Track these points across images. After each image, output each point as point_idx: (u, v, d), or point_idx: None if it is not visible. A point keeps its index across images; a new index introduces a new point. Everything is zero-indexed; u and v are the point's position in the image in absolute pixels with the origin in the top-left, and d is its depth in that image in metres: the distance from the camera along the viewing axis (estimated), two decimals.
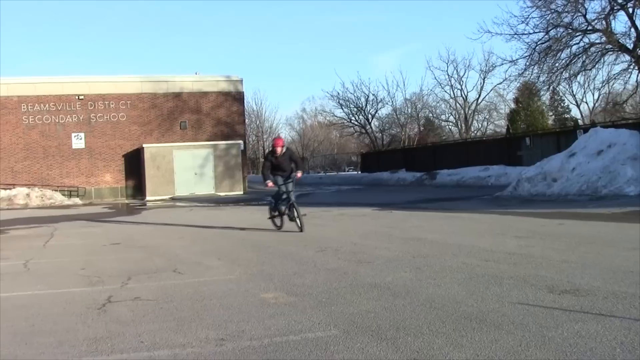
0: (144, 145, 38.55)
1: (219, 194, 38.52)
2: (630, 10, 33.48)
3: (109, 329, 5.92)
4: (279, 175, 14.25)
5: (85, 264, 10.44)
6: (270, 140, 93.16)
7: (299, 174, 14.45)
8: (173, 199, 36.41)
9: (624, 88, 46.40)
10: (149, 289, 7.88)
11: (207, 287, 7.83)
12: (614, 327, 5.14)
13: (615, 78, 38.83)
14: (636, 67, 34.39)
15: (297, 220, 14.08)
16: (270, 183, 14.24)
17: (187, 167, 38.71)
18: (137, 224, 19.14)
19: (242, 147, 41.41)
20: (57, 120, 38.63)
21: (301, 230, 13.80)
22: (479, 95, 66.06)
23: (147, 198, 37.15)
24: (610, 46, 34.50)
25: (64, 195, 37.11)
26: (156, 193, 37.44)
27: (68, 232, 16.83)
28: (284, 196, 14.19)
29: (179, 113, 41.21)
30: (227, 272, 9.06)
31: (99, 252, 12.13)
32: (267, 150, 14.46)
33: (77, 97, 38.81)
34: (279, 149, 14.21)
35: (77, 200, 36.57)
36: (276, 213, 14.62)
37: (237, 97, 43.29)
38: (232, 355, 4.93)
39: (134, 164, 39.51)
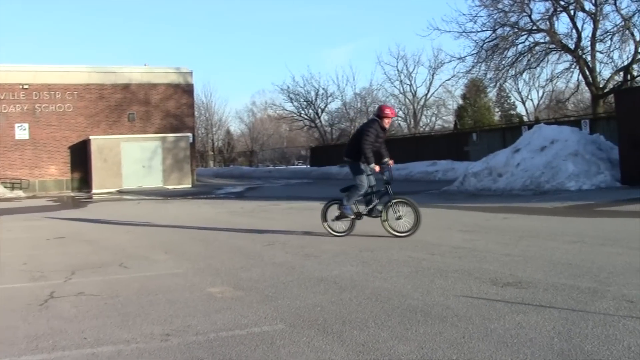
0: (90, 137, 37.96)
1: (167, 187, 38.20)
2: (572, 12, 34.39)
3: (50, 325, 5.82)
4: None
5: (28, 258, 10.26)
6: (222, 133, 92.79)
7: (392, 161, 11.36)
8: (120, 191, 35.99)
9: (567, 86, 47.43)
10: (94, 284, 7.78)
11: (154, 282, 7.78)
12: (553, 317, 5.27)
13: (558, 76, 39.91)
14: (577, 67, 35.28)
15: (398, 223, 10.86)
16: (378, 167, 10.85)
17: (135, 160, 38.27)
18: (83, 217, 18.87)
19: (191, 139, 41.15)
20: None
21: (409, 232, 10.69)
22: (428, 91, 66.92)
23: (94, 191, 36.67)
24: (554, 46, 35.41)
25: (6, 187, 36.18)
26: (103, 186, 36.97)
27: (10, 226, 16.49)
28: (375, 189, 11.23)
29: (127, 105, 40.76)
30: (174, 266, 9.00)
31: (43, 247, 11.93)
32: (370, 117, 11.54)
33: (21, 87, 37.99)
34: (387, 122, 11.14)
35: (20, 193, 35.83)
36: (350, 213, 11.22)
37: (187, 90, 43.00)
38: (177, 351, 4.91)
39: (81, 156, 38.95)
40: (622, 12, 33.46)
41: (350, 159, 11.32)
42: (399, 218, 10.84)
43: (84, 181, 38.81)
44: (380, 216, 11.00)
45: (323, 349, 4.77)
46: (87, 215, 19.46)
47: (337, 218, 11.35)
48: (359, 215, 11.29)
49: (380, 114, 11.07)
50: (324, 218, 11.58)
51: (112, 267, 9.14)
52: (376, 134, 10.89)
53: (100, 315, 6.11)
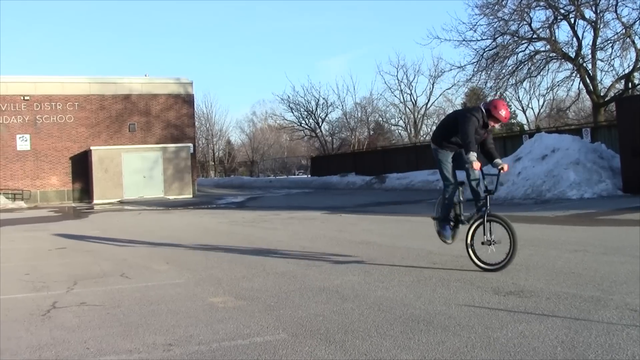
0: (91, 148, 37.97)
1: (168, 197, 38.21)
2: (572, 20, 34.40)
3: (53, 335, 5.81)
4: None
5: (30, 269, 10.26)
6: (223, 143, 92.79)
7: (506, 166, 8.51)
8: (121, 202, 36.00)
9: (567, 95, 47.38)
10: (96, 294, 7.78)
11: (155, 292, 7.78)
12: (556, 326, 5.26)
13: (558, 85, 39.83)
14: (578, 75, 35.26)
15: (485, 250, 8.22)
16: (478, 163, 8.21)
17: (135, 170, 38.27)
18: (84, 227, 18.87)
19: (191, 150, 41.16)
20: (0, 121, 37.79)
21: (499, 265, 8.01)
22: (428, 100, 66.96)
23: (95, 201, 36.64)
24: (554, 54, 35.37)
25: (7, 198, 36.23)
26: (104, 196, 36.95)
27: (12, 237, 16.47)
28: (477, 190, 8.65)
29: (127, 115, 40.79)
30: (176, 276, 9.00)
31: (44, 257, 11.92)
32: (478, 107, 8.53)
33: (22, 98, 38.02)
34: (493, 123, 8.44)
35: (21, 204, 35.76)
36: (446, 236, 9.01)
37: (187, 100, 43.02)
38: None
39: (82, 166, 38.95)
40: (623, 20, 33.48)
41: (434, 144, 8.90)
42: (489, 243, 8.20)
43: (85, 192, 38.82)
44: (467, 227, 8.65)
45: (325, 358, 4.77)
46: (88, 226, 19.46)
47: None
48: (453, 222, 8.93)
49: (489, 109, 8.36)
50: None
51: (114, 277, 9.13)
52: (476, 125, 8.31)
53: (102, 326, 6.10)
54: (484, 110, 8.36)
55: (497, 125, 8.61)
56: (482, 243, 8.22)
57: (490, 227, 8.22)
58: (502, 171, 8.36)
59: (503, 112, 8.28)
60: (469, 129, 8.19)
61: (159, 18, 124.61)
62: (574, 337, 4.94)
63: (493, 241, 8.13)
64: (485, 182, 8.48)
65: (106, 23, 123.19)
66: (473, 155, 8.10)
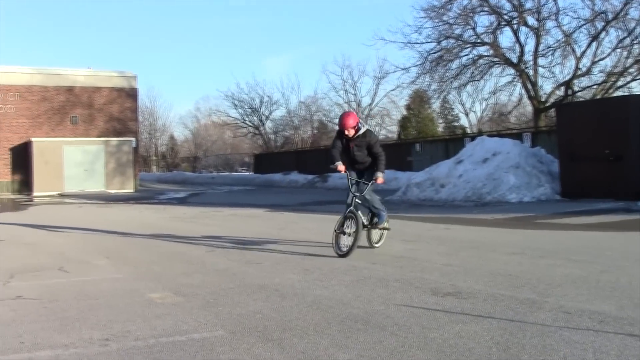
0: (32, 139, 37.34)
1: (109, 191, 37.78)
2: (515, 26, 35.04)
3: None
4: (352, 170, 10.11)
5: None
6: (166, 138, 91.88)
7: (380, 179, 9.83)
8: (62, 195, 35.45)
9: (509, 100, 48.08)
10: (33, 288, 7.63)
11: (94, 287, 7.67)
12: (492, 327, 5.34)
13: (501, 90, 40.37)
14: (520, 81, 35.89)
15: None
16: (340, 166, 9.67)
17: (77, 163, 37.83)
18: (23, 220, 18.49)
19: (134, 144, 40.79)
20: None
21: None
22: (372, 101, 67.14)
23: (35, 193, 36.05)
24: (497, 59, 35.96)
25: None
26: (44, 189, 36.38)
27: None
28: (351, 200, 9.79)
29: (70, 107, 40.16)
30: (115, 271, 8.89)
31: None
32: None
33: None
34: (350, 131, 9.74)
35: None
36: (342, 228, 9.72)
37: (131, 94, 42.58)
38: (116, 356, 4.85)
39: (22, 158, 38.23)
40: (564, 28, 34.25)
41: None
42: (343, 233, 9.64)
43: (25, 183, 38.13)
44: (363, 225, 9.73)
45: (263, 355, 4.76)
46: (27, 219, 19.07)
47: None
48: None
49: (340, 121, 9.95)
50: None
51: (52, 271, 8.98)
52: (340, 140, 9.84)
53: (38, 320, 5.99)
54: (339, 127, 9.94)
55: (350, 132, 9.73)
56: (336, 231, 9.67)
57: (349, 222, 9.54)
58: (375, 182, 9.78)
59: (342, 121, 9.80)
60: (331, 149, 10.01)
61: (104, 9, 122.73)
62: (509, 338, 5.02)
63: (345, 232, 9.56)
64: (362, 187, 9.90)
65: (49, 13, 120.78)
66: (337, 164, 9.70)
